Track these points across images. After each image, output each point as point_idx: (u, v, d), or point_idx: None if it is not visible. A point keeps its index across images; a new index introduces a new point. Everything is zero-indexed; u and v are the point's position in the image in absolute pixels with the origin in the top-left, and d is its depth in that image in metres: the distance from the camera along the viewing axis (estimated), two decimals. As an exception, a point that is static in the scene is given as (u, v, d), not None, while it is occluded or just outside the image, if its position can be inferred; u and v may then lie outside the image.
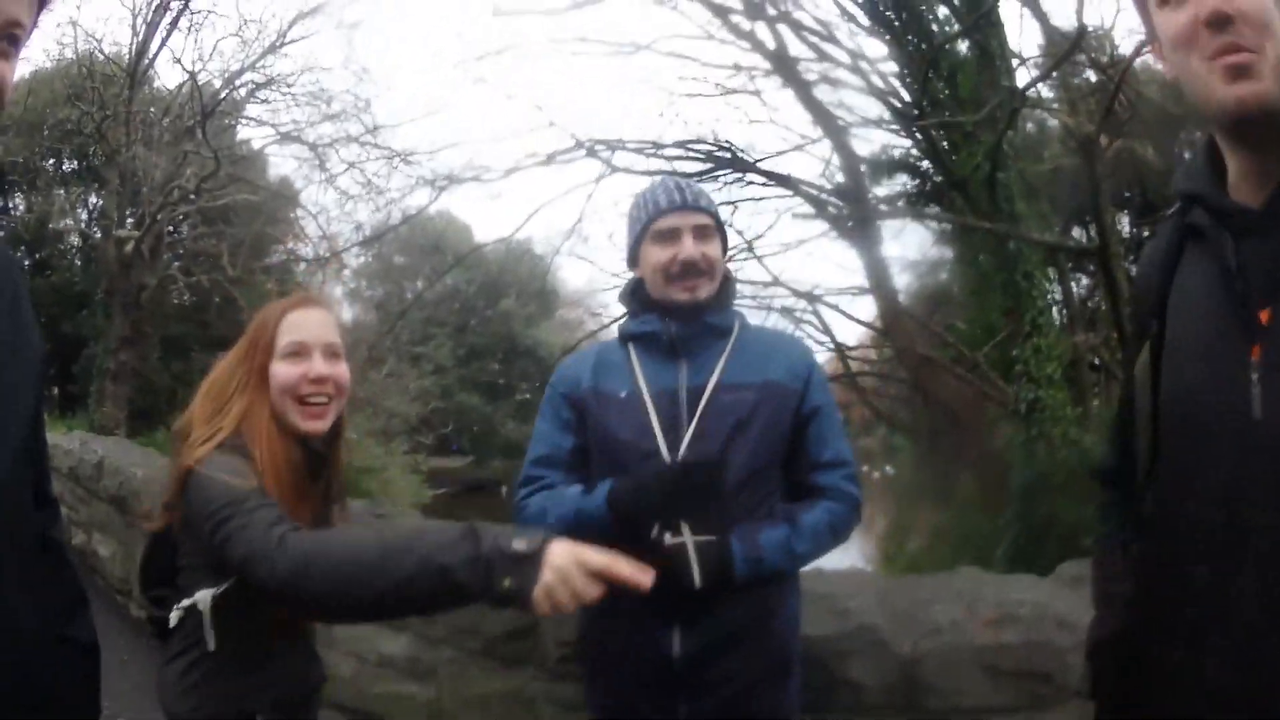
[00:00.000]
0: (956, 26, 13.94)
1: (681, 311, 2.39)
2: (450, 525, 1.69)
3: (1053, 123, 16.42)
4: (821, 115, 15.84)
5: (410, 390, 23.98)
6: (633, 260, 2.53)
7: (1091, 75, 14.45)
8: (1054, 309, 14.88)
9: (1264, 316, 1.25)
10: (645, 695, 2.34)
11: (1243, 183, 1.33)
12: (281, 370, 2.07)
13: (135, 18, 17.62)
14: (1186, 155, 1.54)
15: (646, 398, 2.36)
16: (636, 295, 2.51)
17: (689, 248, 2.38)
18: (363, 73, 17.96)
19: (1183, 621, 1.33)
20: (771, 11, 15.59)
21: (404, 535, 1.72)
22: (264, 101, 20.02)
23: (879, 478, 29.98)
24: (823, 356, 18.18)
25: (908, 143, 16.64)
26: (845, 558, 19.91)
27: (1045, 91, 14.78)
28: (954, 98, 14.34)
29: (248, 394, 2.07)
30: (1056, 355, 12.67)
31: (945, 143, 14.36)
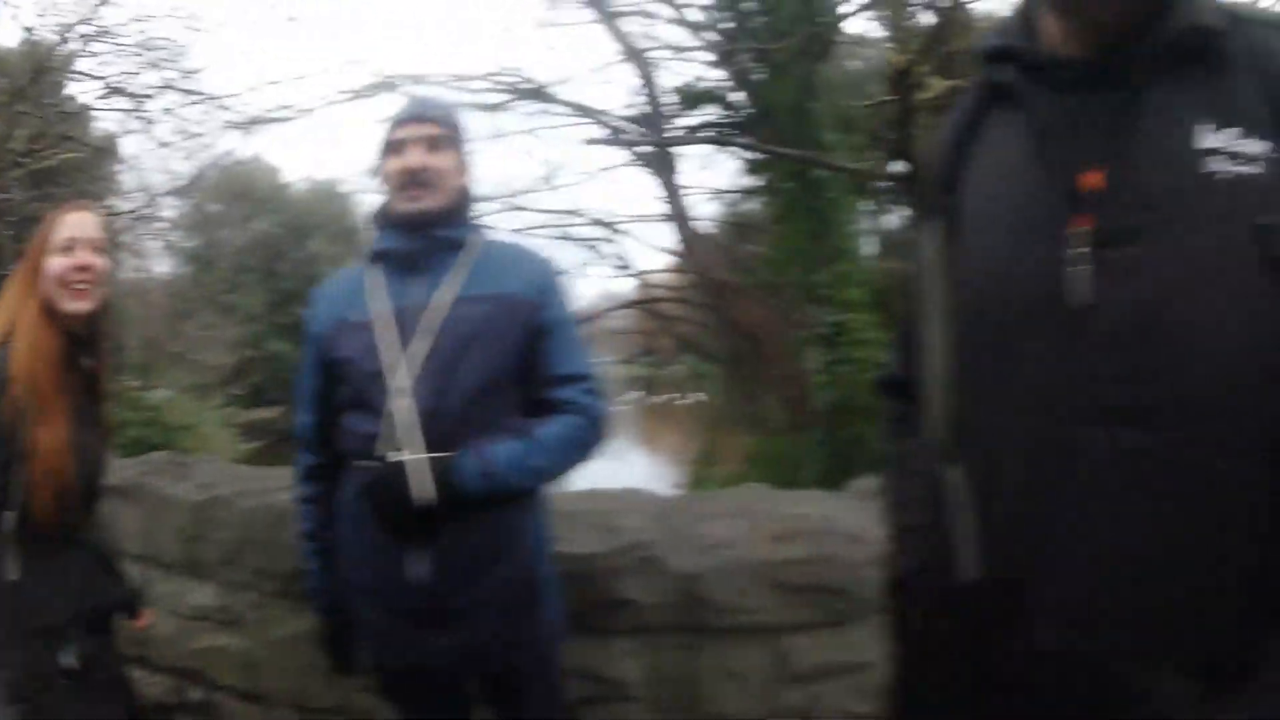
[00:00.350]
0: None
1: (417, 227, 2.38)
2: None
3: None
4: (629, 46, 16.09)
5: (223, 341, 23.21)
6: (380, 176, 2.53)
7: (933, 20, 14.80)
8: (865, 237, 15.26)
9: (1092, 180, 1.07)
10: (402, 625, 2.31)
11: (1063, 42, 1.15)
12: (54, 262, 2.43)
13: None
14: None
15: (383, 316, 2.35)
16: (382, 213, 2.49)
17: (412, 157, 2.37)
18: (189, 18, 16.53)
19: (1000, 561, 1.11)
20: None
21: None
22: (94, 55, 18.59)
23: (690, 404, 30.51)
24: (625, 284, 18.44)
25: (722, 74, 16.86)
26: (657, 485, 20.20)
27: (880, 32, 15.12)
28: (773, 31, 14.46)
29: (22, 290, 2.45)
30: (862, 280, 12.98)
31: (761, 75, 14.55)
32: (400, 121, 2.44)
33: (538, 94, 15.94)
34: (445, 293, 2.34)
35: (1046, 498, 1.04)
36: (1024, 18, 1.21)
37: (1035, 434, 1.05)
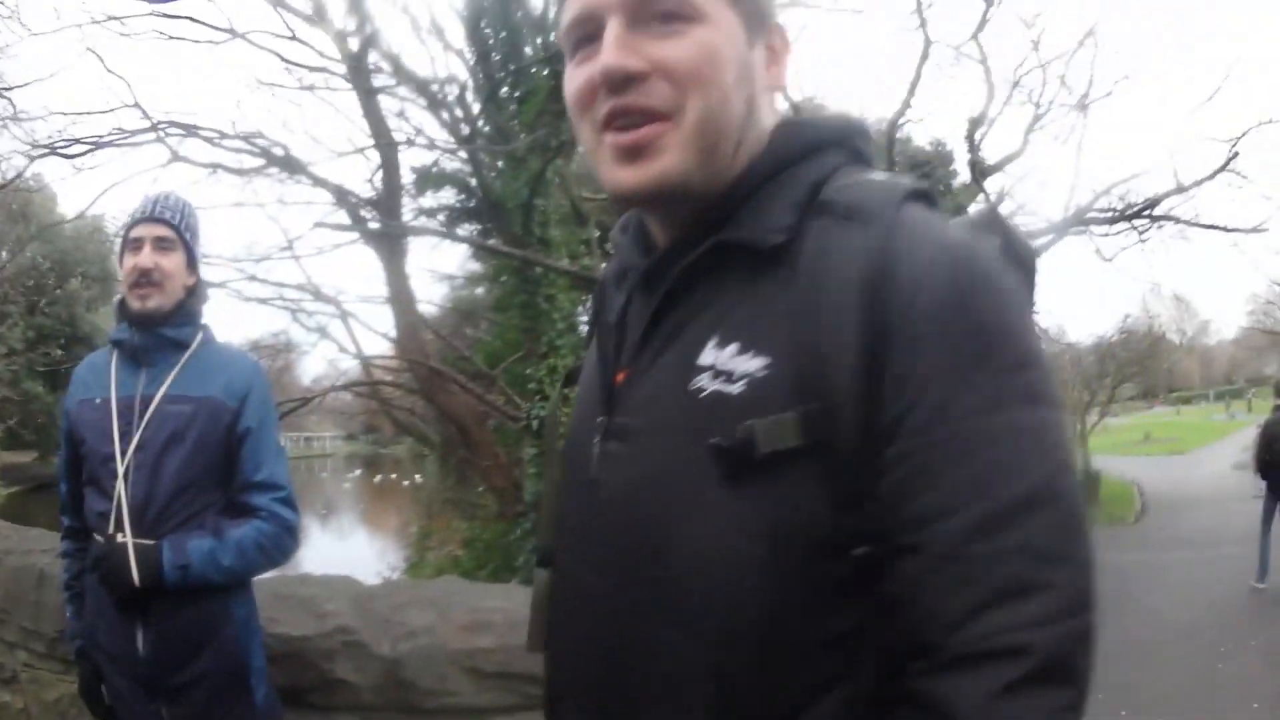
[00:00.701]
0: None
1: (144, 324, 2.55)
2: None
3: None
4: (377, 125, 15.84)
5: None
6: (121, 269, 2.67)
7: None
8: (579, 333, 15.54)
9: (619, 379, 1.17)
10: (134, 692, 2.45)
11: (660, 234, 1.20)
12: None
13: None
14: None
15: (112, 404, 2.52)
16: (121, 304, 2.63)
17: (143, 256, 2.54)
18: (13, 14, 14.30)
19: (548, 652, 1.29)
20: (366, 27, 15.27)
21: None
22: None
23: (408, 485, 30.23)
24: (347, 364, 18.26)
25: (462, 159, 16.77)
26: (375, 563, 19.89)
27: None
28: (519, 122, 14.56)
29: None
30: (573, 375, 13.23)
31: (498, 165, 14.66)
32: (135, 220, 2.60)
33: (286, 163, 15.60)
34: (159, 389, 2.52)
35: (567, 613, 1.22)
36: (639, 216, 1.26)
37: (568, 565, 1.22)
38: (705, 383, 1.02)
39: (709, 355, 1.03)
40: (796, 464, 0.95)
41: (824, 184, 1.07)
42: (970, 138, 17.52)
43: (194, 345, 2.62)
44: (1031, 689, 0.86)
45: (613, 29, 1.04)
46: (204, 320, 2.73)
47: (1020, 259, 1.06)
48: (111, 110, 14.67)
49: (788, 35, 1.17)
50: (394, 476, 35.00)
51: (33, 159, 14.83)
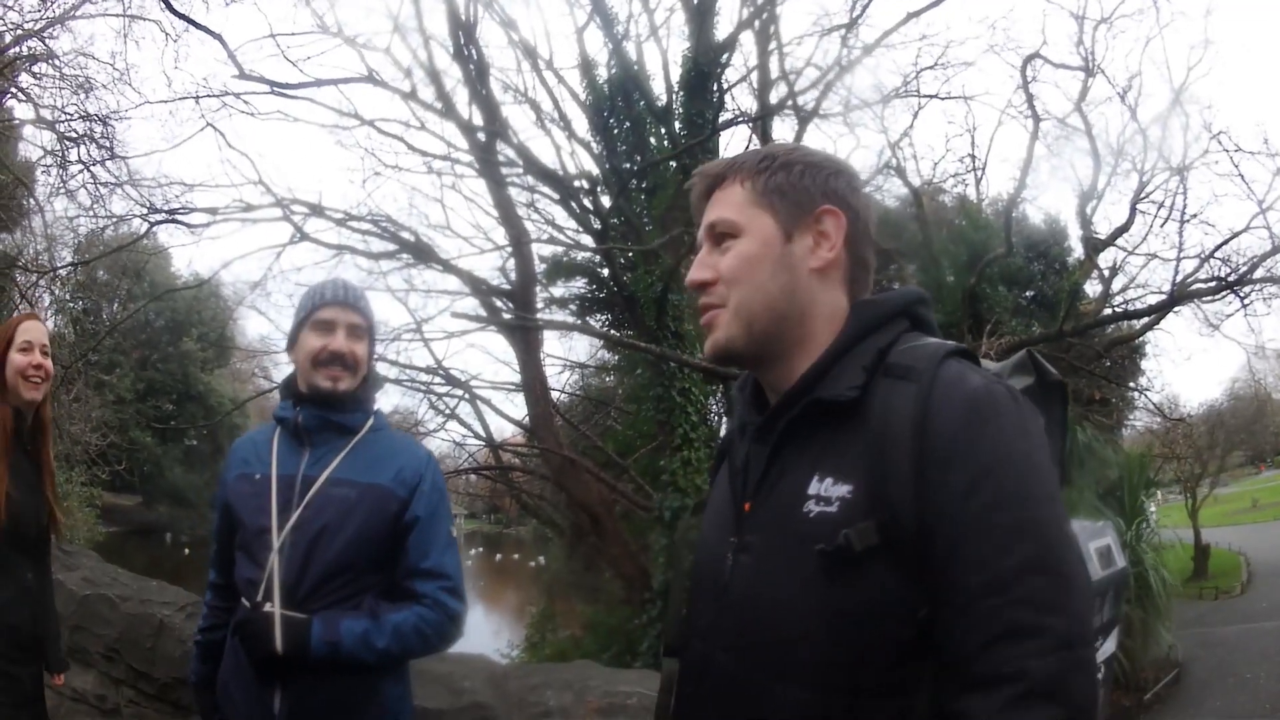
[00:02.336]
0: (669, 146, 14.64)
1: (315, 403, 2.60)
2: None
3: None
4: (508, 214, 16.07)
5: (92, 419, 22.20)
6: (291, 343, 2.70)
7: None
8: (713, 427, 15.46)
9: (747, 508, 1.51)
10: None
11: (769, 393, 1.59)
12: (17, 357, 3.09)
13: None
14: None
15: (272, 480, 2.55)
16: (287, 383, 2.71)
17: (340, 340, 2.59)
18: (124, 75, 14.43)
19: None
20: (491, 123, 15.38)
21: None
22: (35, 76, 16.06)
23: (533, 566, 30.44)
24: (472, 443, 18.45)
25: (591, 245, 17.05)
26: (492, 641, 19.99)
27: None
28: (649, 215, 14.98)
29: None
30: (706, 469, 13.27)
31: (625, 257, 14.87)
32: (328, 302, 2.62)
33: (417, 249, 16.07)
34: (323, 471, 2.53)
35: (700, 691, 1.51)
36: (754, 380, 1.65)
37: (700, 652, 1.52)
38: (812, 507, 1.39)
39: (813, 487, 1.40)
40: (877, 556, 1.31)
41: (889, 349, 1.45)
42: (1082, 212, 17.46)
43: (363, 431, 2.63)
44: (1028, 704, 1.18)
45: (700, 251, 1.58)
46: (376, 407, 2.76)
47: (1051, 389, 1.53)
48: (234, 185, 15.24)
49: (841, 216, 1.54)
50: (516, 557, 35.30)
51: (152, 225, 15.36)
